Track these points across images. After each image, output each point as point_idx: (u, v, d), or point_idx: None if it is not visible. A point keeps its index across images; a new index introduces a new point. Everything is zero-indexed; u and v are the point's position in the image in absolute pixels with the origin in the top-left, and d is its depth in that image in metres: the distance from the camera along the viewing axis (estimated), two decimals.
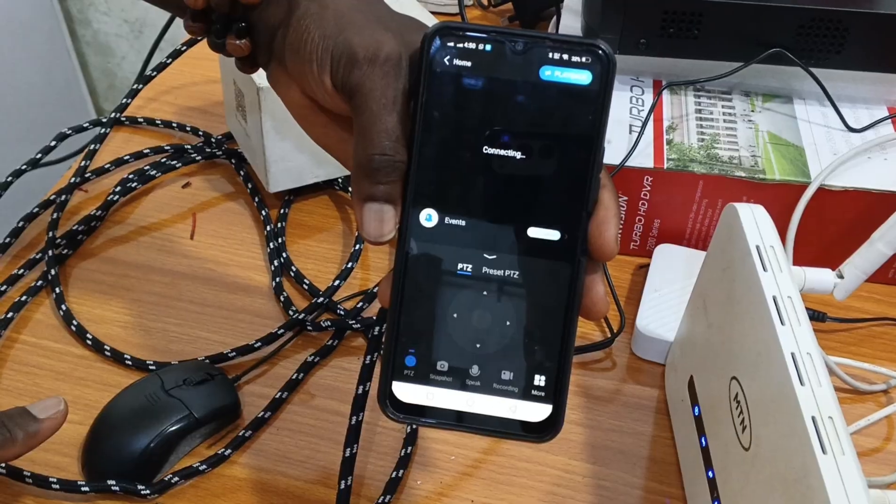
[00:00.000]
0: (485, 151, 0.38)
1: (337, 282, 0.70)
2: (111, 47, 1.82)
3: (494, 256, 0.39)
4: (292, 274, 0.72)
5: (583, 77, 0.37)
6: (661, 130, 0.72)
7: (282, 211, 0.77)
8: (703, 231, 0.72)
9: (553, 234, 0.39)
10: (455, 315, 0.39)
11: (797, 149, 0.71)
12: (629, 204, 0.71)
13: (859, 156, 0.70)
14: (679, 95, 0.76)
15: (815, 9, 0.70)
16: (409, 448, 0.60)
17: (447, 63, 0.38)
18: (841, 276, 0.56)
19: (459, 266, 0.39)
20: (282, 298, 0.70)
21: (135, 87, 0.81)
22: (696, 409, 0.58)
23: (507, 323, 0.39)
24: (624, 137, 0.71)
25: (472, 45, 0.38)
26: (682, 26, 0.72)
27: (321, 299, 0.69)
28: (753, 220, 0.54)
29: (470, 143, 0.38)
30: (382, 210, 0.39)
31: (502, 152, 0.38)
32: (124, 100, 0.81)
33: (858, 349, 0.68)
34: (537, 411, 0.39)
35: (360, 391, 0.51)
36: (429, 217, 0.39)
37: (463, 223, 0.39)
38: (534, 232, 0.39)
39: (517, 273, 0.39)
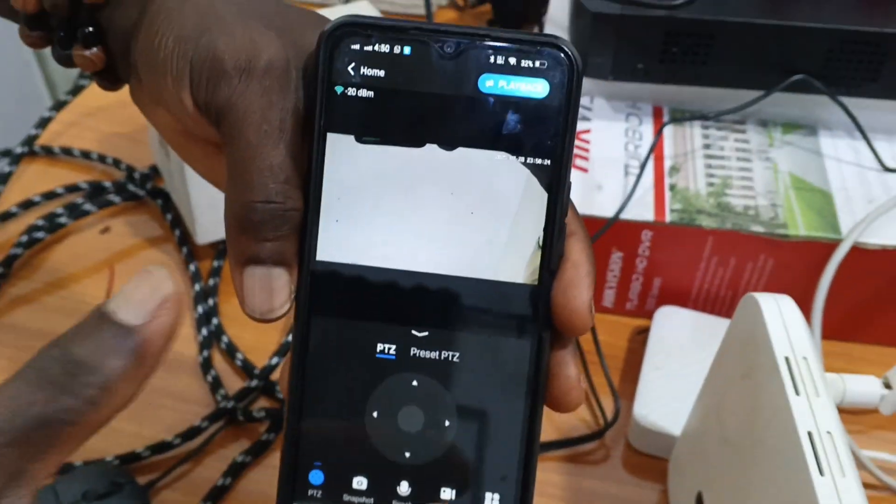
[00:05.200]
0: (412, 186, 0.29)
1: (275, 359, 0.59)
2: None
3: (426, 333, 0.29)
4: (223, 346, 0.60)
5: (536, 88, 0.28)
6: (662, 172, 0.61)
7: (215, 264, 0.65)
8: (714, 291, 0.61)
9: (505, 301, 0.29)
10: (375, 414, 0.29)
11: (824, 195, 0.60)
12: (625, 260, 0.60)
13: None
14: (684, 127, 0.64)
15: (849, 30, 0.58)
16: None
17: (352, 73, 0.29)
18: (889, 387, 0.45)
19: (379, 347, 0.29)
20: (209, 378, 0.59)
21: (46, 114, 0.70)
22: None
23: (447, 423, 0.29)
24: (619, 181, 0.60)
25: (386, 48, 0.29)
26: (689, 50, 0.60)
27: (255, 382, 0.57)
28: (780, 318, 0.43)
29: (390, 176, 0.29)
30: (270, 276, 0.29)
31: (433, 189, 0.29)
32: (33, 130, 0.69)
33: None
34: None
35: None
36: (336, 280, 0.29)
37: (382, 287, 0.29)
38: (479, 299, 0.29)
39: (457, 355, 0.29)
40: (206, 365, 0.59)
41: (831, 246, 0.57)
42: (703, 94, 0.63)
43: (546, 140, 0.29)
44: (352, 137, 0.29)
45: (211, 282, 0.64)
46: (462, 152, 0.29)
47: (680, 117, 0.63)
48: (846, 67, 0.60)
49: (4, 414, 0.25)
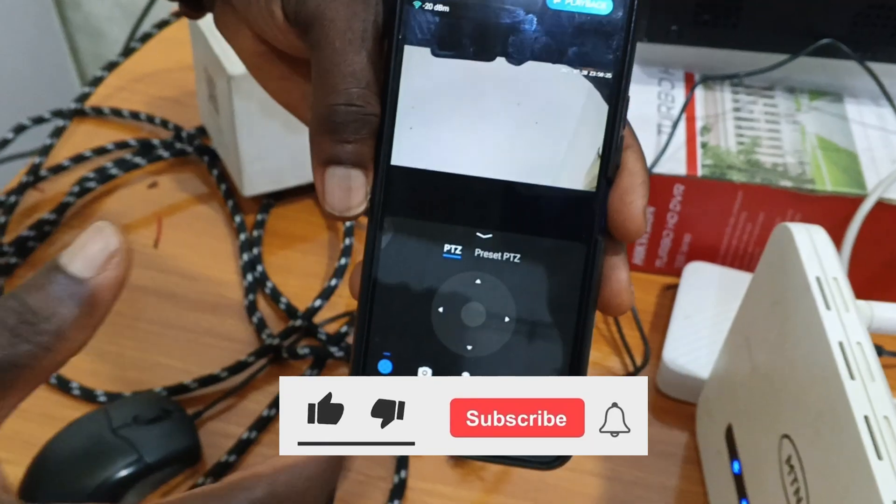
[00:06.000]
0: (481, 97, 0.31)
1: (318, 301, 0.61)
2: (103, 31, 1.73)
3: (490, 235, 0.31)
4: (268, 291, 0.63)
5: (600, 5, 0.30)
6: (693, 131, 0.63)
7: (259, 217, 0.68)
8: (742, 248, 0.63)
9: (564, 207, 0.31)
10: (441, 309, 0.31)
11: (850, 155, 0.62)
12: (656, 215, 0.62)
13: None
14: (714, 91, 0.66)
15: None
16: (396, 502, 0.51)
17: None
18: None
19: (446, 247, 0.31)
20: (255, 319, 0.61)
21: (98, 74, 0.72)
22: (736, 466, 0.49)
23: (506, 319, 0.31)
24: (651, 139, 0.62)
25: None
26: (720, 13, 0.62)
27: (299, 322, 0.60)
28: (812, 244, 0.45)
29: (461, 87, 0.31)
30: (349, 176, 0.31)
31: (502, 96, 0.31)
32: (86, 88, 0.72)
33: None
34: None
35: None
36: (408, 184, 0.31)
37: (451, 192, 0.31)
38: (540, 204, 0.31)
39: (518, 256, 0.31)
40: (252, 308, 0.62)
41: (857, 201, 0.59)
42: (734, 59, 0.65)
43: (608, 55, 0.30)
44: (427, 50, 0.31)
45: (255, 233, 0.66)
46: (530, 66, 0.31)
47: (711, 76, 0.66)
48: (873, 32, 0.62)
49: None
